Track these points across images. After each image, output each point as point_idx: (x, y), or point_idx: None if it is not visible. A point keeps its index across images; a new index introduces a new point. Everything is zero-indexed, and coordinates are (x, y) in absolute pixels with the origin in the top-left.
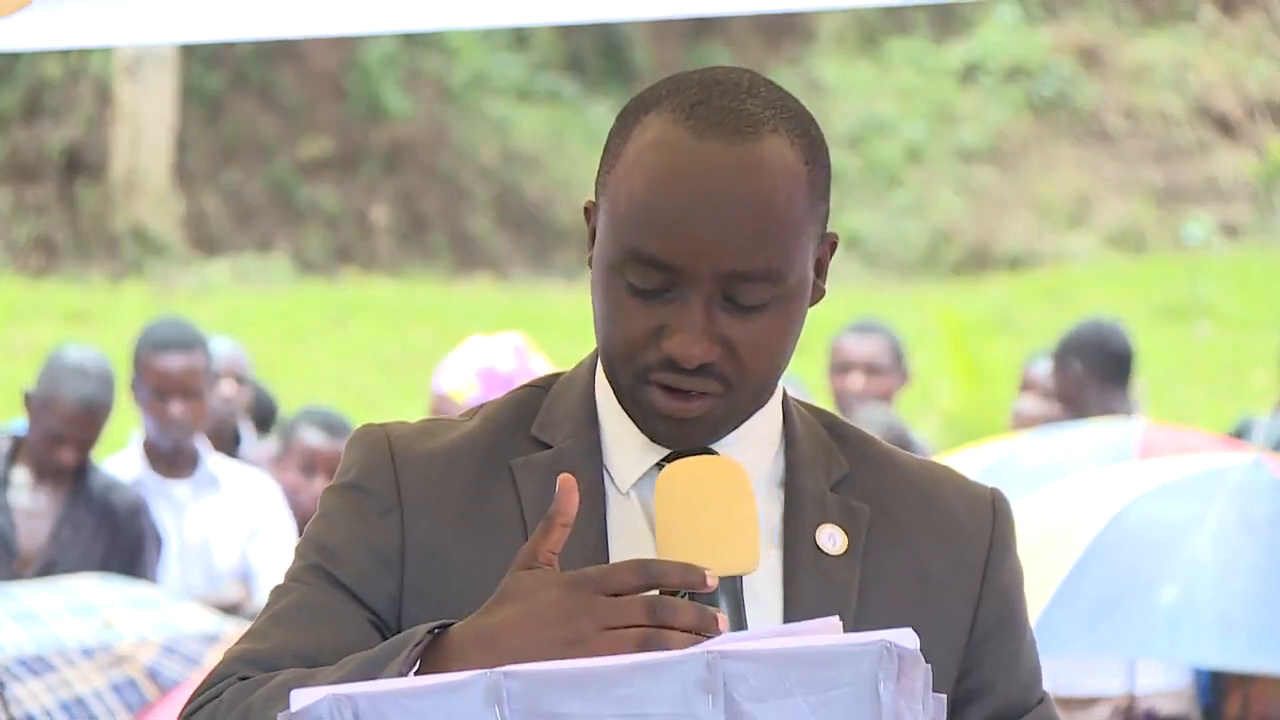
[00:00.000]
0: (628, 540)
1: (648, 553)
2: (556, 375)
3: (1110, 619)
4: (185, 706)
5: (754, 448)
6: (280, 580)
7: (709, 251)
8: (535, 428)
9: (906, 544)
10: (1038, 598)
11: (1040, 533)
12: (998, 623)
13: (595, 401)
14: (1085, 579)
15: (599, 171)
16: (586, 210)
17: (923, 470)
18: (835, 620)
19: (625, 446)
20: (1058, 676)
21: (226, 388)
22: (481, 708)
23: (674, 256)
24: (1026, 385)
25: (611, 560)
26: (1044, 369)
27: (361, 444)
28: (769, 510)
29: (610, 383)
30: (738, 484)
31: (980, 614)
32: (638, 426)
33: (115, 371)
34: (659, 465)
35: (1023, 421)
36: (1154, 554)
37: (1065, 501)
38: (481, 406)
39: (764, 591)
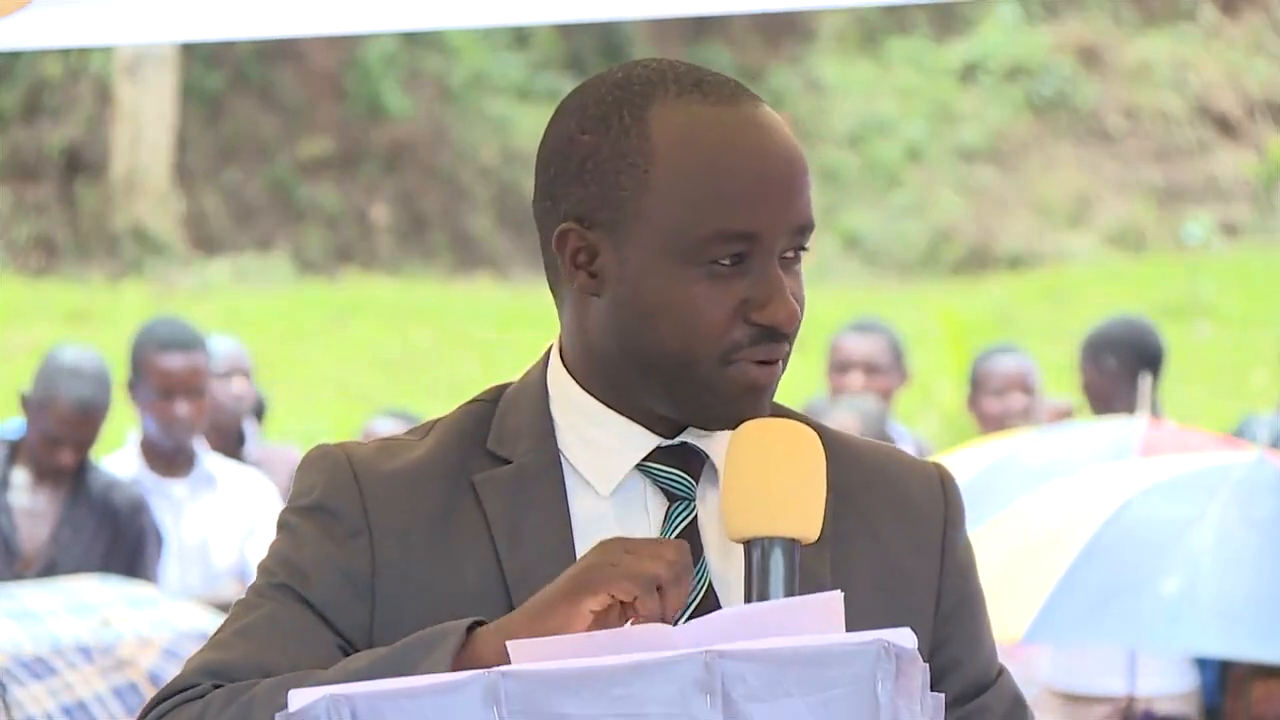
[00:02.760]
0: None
1: None
2: (502, 388)
3: (1111, 608)
4: (143, 713)
5: (722, 435)
6: (252, 583)
7: (788, 209)
8: (491, 442)
9: (870, 528)
10: (1039, 590)
11: (1043, 528)
12: (960, 599)
13: (550, 413)
14: (1087, 570)
15: (597, 192)
16: (564, 235)
17: (875, 453)
18: (837, 594)
19: (598, 452)
20: (1060, 675)
21: (238, 385)
22: (480, 708)
23: (756, 222)
24: (1003, 384)
25: None
26: (1010, 364)
27: (322, 465)
28: None
29: (669, 382)
30: (813, 452)
31: (944, 591)
32: (707, 414)
33: (112, 372)
34: (639, 467)
35: (1015, 421)
36: (1156, 547)
37: (1068, 498)
38: (433, 424)
39: (739, 582)
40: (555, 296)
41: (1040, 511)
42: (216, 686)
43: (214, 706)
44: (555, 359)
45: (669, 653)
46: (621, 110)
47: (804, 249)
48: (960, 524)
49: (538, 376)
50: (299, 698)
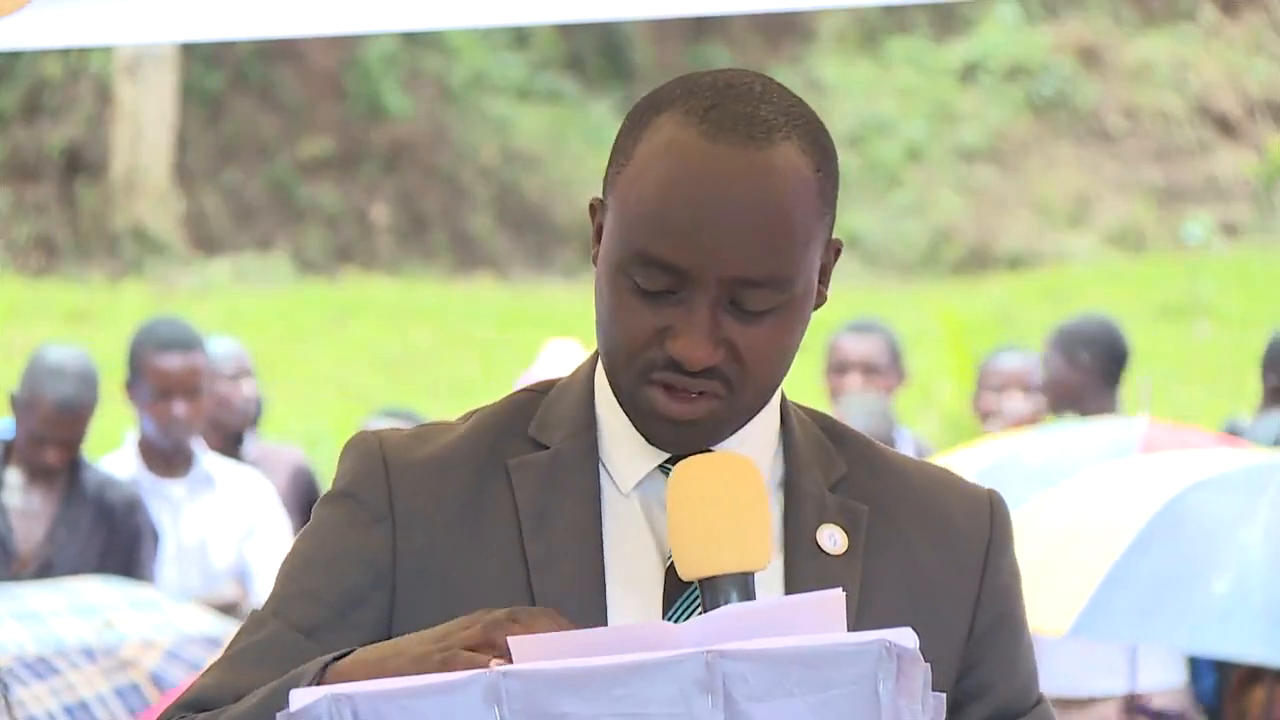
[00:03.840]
0: (626, 542)
1: (646, 553)
2: (554, 381)
3: (1162, 607)
4: None
5: (753, 449)
6: (270, 591)
7: (716, 257)
8: (533, 429)
9: (905, 544)
10: (1082, 585)
11: (1074, 525)
12: (996, 622)
13: (594, 404)
14: (1136, 566)
15: (607, 170)
16: (592, 207)
17: (920, 472)
18: (839, 593)
19: (626, 448)
20: (1056, 682)
21: (246, 387)
22: (481, 707)
23: (681, 260)
24: (1005, 382)
25: (608, 561)
26: (1016, 362)
27: (355, 452)
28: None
29: (611, 383)
30: (751, 481)
31: (979, 614)
32: (637, 428)
33: (98, 370)
34: (661, 467)
35: (1015, 421)
36: (1207, 544)
37: (1101, 493)
38: (476, 411)
39: (766, 592)
40: None
41: (1066, 508)
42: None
43: None
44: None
45: (670, 652)
46: (647, 109)
47: (760, 304)
48: (1006, 549)
49: (588, 370)
50: (299, 697)
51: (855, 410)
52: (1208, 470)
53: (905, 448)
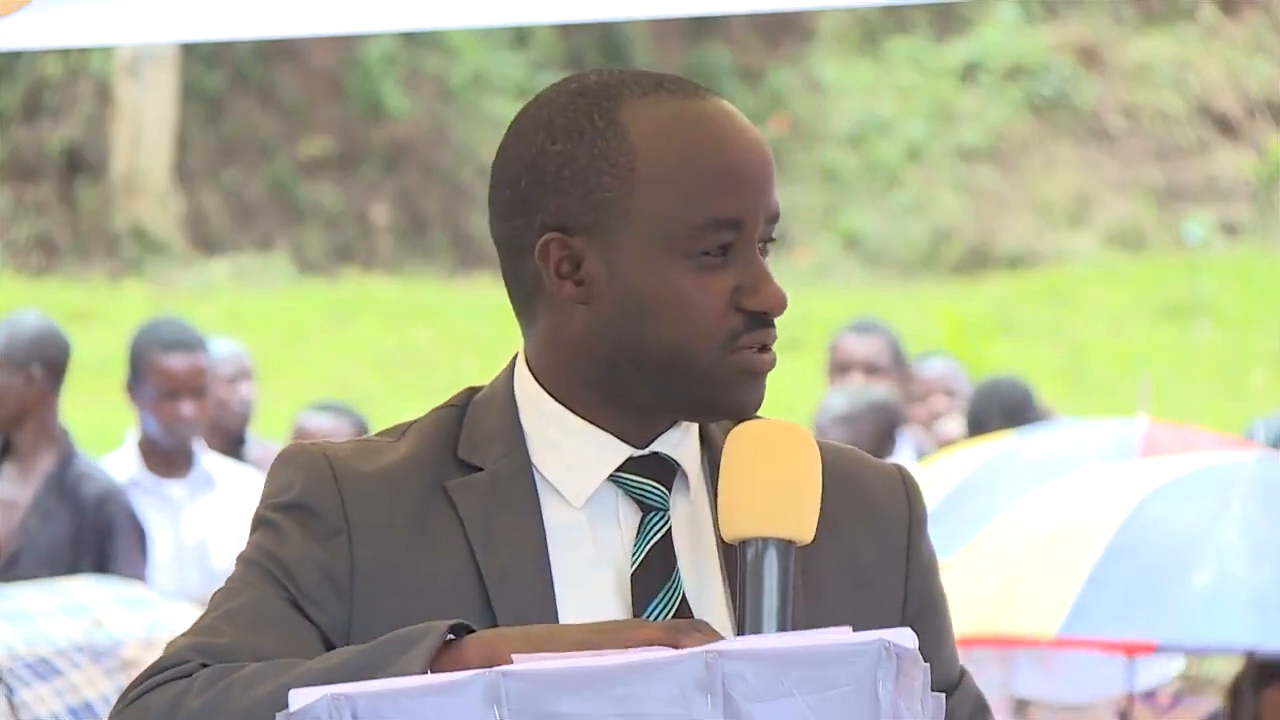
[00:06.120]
0: (575, 556)
1: (598, 567)
2: (472, 392)
3: (1144, 603)
4: (129, 689)
5: (691, 443)
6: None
7: (766, 196)
8: (462, 451)
9: (836, 529)
10: (1066, 588)
11: (1058, 527)
12: (925, 601)
13: (519, 420)
14: (1116, 567)
15: (585, 201)
16: (546, 247)
17: (837, 454)
18: (846, 630)
19: (565, 460)
20: (1055, 688)
21: (244, 390)
22: (480, 707)
23: (743, 209)
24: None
25: (558, 579)
26: (939, 368)
27: (299, 463)
28: (702, 506)
29: (679, 377)
30: (809, 454)
31: (910, 593)
32: (716, 405)
33: (26, 342)
34: (612, 478)
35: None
36: (1183, 541)
37: (1077, 496)
38: (407, 427)
39: (704, 582)
40: (524, 311)
41: (1050, 510)
42: (205, 666)
43: (197, 685)
44: (523, 370)
45: (670, 653)
46: (591, 115)
47: (773, 239)
48: (924, 526)
49: (505, 385)
50: (299, 697)
51: (857, 402)
52: (1167, 475)
53: (905, 447)
